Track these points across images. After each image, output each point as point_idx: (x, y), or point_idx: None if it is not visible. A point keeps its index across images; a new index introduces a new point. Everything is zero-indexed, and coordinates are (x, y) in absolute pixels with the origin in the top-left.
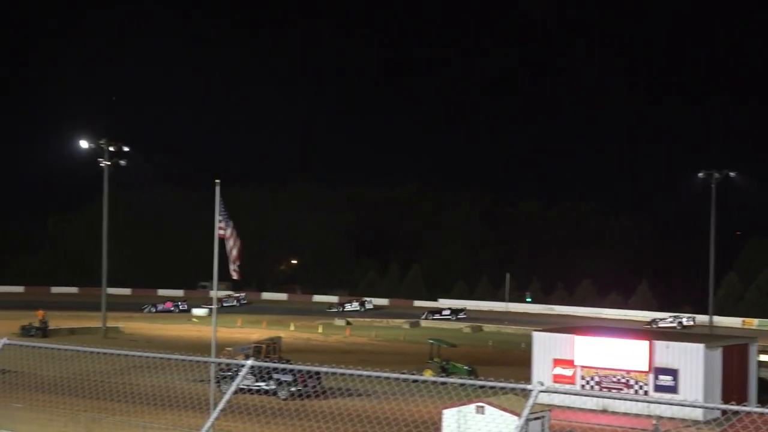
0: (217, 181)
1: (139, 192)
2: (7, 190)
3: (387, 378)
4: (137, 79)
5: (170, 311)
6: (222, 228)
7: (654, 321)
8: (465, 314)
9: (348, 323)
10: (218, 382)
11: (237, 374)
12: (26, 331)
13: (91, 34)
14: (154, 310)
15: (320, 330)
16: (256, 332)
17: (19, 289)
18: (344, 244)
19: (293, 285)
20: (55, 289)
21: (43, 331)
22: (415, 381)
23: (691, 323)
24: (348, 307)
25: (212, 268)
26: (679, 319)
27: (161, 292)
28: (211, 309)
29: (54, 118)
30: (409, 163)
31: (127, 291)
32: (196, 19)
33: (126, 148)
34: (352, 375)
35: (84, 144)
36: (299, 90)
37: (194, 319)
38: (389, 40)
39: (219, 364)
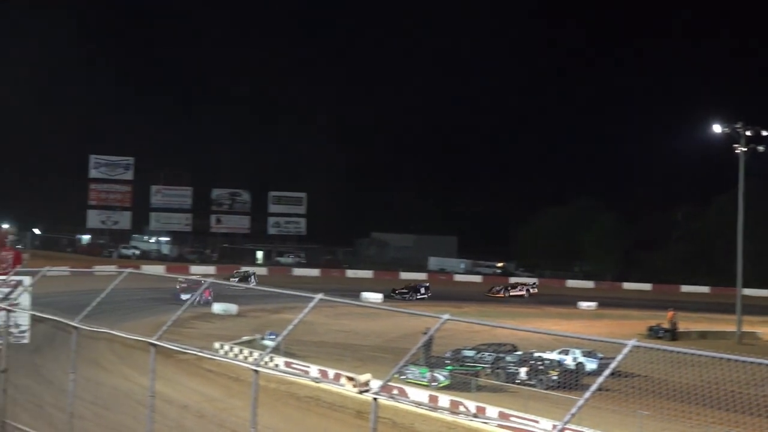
0: None
1: None
2: (638, 179)
3: None
4: None
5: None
6: None
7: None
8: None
9: None
10: None
11: None
12: (654, 333)
13: None
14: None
15: None
16: None
17: (647, 286)
18: None
19: None
20: (684, 288)
21: (672, 333)
22: None
23: (536, 291)
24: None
25: None
26: (527, 287)
27: None
28: None
29: (685, 102)
30: None
31: (765, 292)
32: None
33: (766, 132)
34: None
35: (718, 129)
36: None
37: None
38: None
39: None
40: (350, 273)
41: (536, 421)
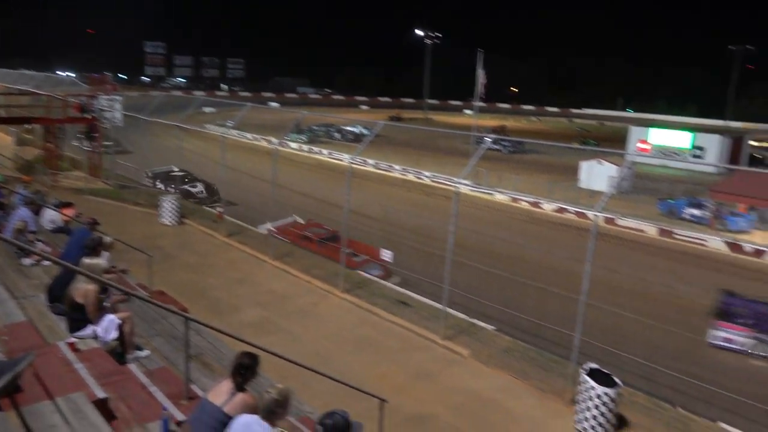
0: None
1: None
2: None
3: None
4: None
5: None
6: None
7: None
8: None
9: None
10: None
11: None
12: (391, 119)
13: None
14: None
15: None
16: None
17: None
18: None
19: None
20: (381, 98)
21: (398, 119)
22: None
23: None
24: None
25: None
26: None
27: None
28: None
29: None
30: None
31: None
32: None
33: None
34: None
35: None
36: None
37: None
38: None
39: None
40: (265, 95)
41: (343, 155)
